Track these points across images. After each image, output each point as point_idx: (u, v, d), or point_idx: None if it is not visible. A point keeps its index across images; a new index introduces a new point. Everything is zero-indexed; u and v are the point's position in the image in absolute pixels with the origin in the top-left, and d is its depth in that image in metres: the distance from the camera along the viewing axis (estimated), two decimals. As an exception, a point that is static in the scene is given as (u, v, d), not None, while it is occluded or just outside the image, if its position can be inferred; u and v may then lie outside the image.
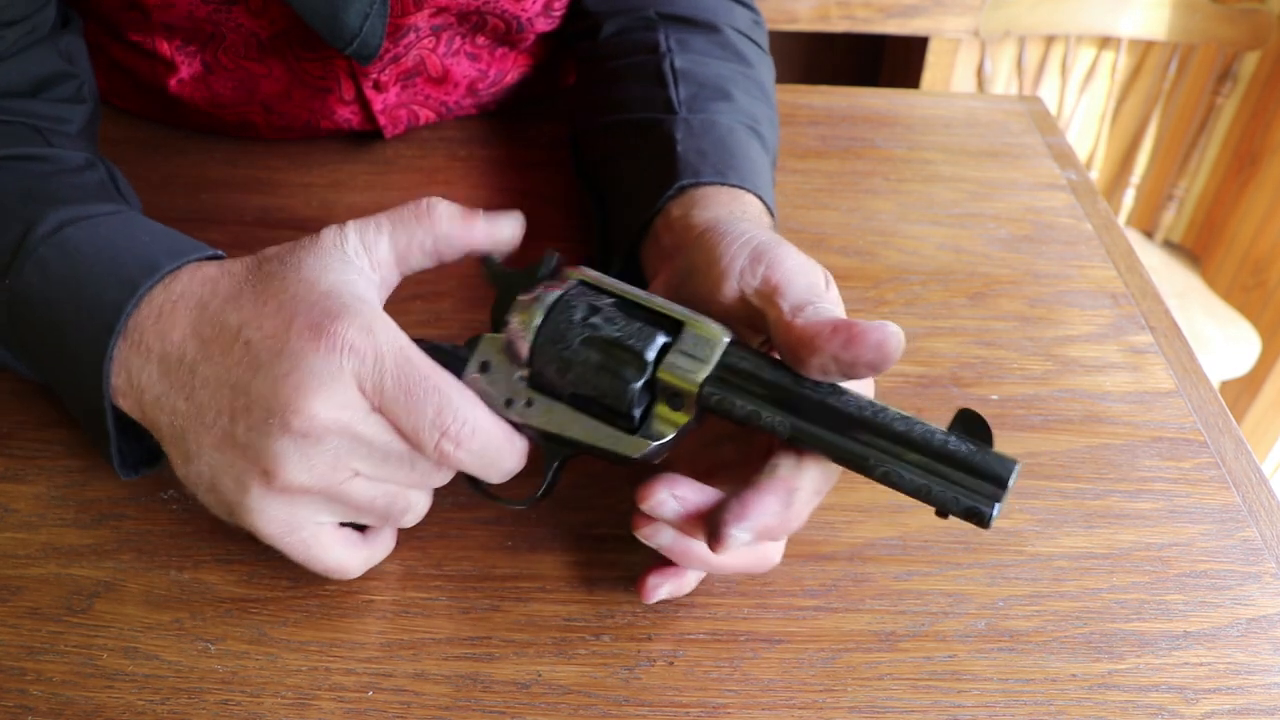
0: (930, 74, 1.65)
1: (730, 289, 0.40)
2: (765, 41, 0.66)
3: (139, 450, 0.45)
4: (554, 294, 0.40)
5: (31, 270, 0.42)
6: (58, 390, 0.44)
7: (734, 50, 0.61)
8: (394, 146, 0.71)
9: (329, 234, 0.40)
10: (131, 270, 0.41)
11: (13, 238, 0.43)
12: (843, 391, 0.37)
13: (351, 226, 0.41)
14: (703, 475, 0.41)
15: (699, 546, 0.40)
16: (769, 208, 0.51)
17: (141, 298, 0.40)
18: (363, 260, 0.40)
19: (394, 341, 0.37)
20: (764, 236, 0.42)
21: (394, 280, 0.42)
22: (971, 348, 0.57)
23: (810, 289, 0.39)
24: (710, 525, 0.37)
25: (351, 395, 0.37)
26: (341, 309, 0.37)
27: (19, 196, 0.45)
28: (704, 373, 0.37)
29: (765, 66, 0.63)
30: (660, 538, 0.40)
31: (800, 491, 0.38)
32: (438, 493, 0.42)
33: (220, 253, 0.43)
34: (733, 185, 0.51)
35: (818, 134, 0.75)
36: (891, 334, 0.35)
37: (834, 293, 0.40)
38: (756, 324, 0.40)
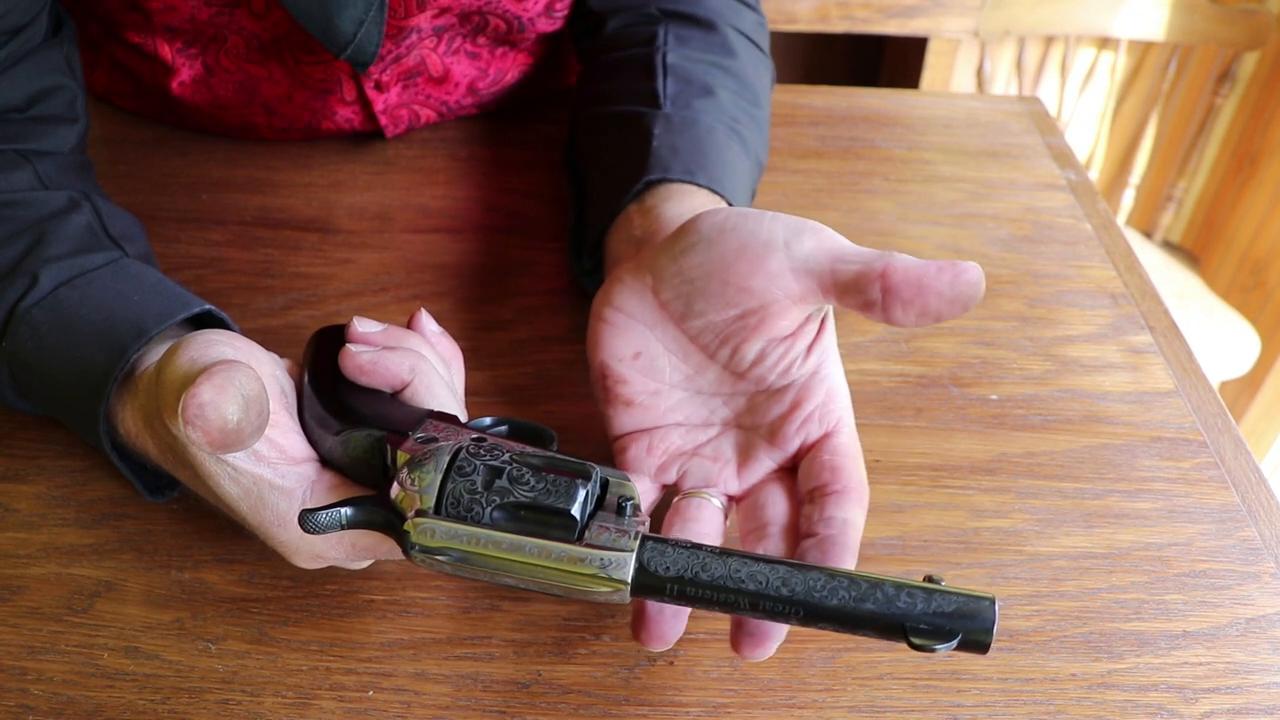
0: (930, 74, 1.65)
1: (777, 261, 0.39)
2: (767, 45, 0.66)
3: (164, 473, 0.46)
4: (444, 453, 0.35)
5: (25, 334, 0.43)
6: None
7: (731, 51, 0.61)
8: (394, 147, 0.71)
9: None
10: (121, 334, 0.42)
11: (6, 302, 0.44)
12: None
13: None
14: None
15: None
16: None
17: (131, 360, 0.42)
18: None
19: (341, 539, 0.38)
20: (790, 216, 0.41)
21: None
22: (971, 348, 0.57)
23: (861, 249, 0.38)
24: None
25: (337, 555, 0.39)
26: (282, 547, 0.39)
27: (10, 255, 0.46)
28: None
29: (764, 70, 0.63)
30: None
31: None
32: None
33: (208, 306, 0.45)
34: (700, 185, 0.51)
35: (818, 134, 0.75)
36: (980, 273, 0.36)
37: None
38: (813, 292, 0.39)
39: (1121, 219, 1.74)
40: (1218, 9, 1.51)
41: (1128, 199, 1.72)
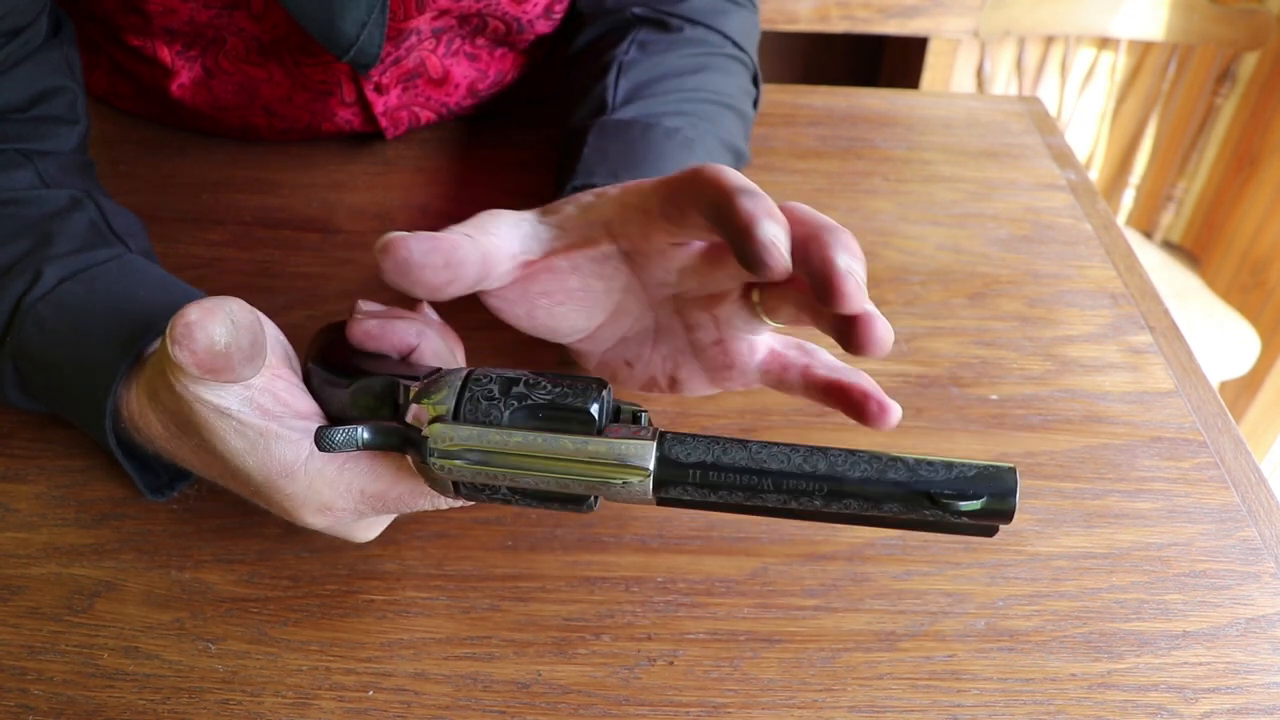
0: (930, 74, 1.65)
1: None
2: (752, 43, 0.65)
3: (165, 470, 0.46)
4: (457, 375, 0.35)
5: (31, 328, 0.43)
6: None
7: (697, 50, 0.60)
8: (394, 147, 0.71)
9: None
10: (128, 329, 0.42)
11: (10, 297, 0.44)
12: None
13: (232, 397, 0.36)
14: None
15: None
16: None
17: (139, 354, 0.42)
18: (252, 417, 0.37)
19: (349, 486, 0.37)
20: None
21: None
22: (971, 348, 0.57)
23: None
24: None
25: (345, 505, 0.38)
26: (290, 500, 0.37)
27: (14, 252, 0.46)
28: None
29: (734, 68, 0.62)
30: None
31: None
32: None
33: None
34: None
35: (818, 134, 0.75)
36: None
37: None
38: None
39: (1121, 219, 1.74)
40: (1218, 9, 1.51)
41: (1128, 199, 1.72)
